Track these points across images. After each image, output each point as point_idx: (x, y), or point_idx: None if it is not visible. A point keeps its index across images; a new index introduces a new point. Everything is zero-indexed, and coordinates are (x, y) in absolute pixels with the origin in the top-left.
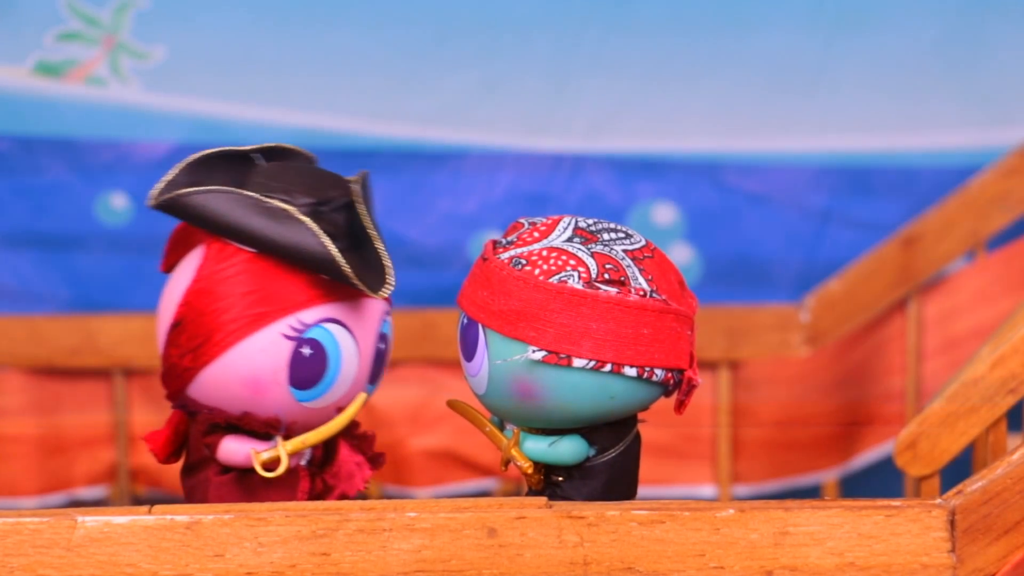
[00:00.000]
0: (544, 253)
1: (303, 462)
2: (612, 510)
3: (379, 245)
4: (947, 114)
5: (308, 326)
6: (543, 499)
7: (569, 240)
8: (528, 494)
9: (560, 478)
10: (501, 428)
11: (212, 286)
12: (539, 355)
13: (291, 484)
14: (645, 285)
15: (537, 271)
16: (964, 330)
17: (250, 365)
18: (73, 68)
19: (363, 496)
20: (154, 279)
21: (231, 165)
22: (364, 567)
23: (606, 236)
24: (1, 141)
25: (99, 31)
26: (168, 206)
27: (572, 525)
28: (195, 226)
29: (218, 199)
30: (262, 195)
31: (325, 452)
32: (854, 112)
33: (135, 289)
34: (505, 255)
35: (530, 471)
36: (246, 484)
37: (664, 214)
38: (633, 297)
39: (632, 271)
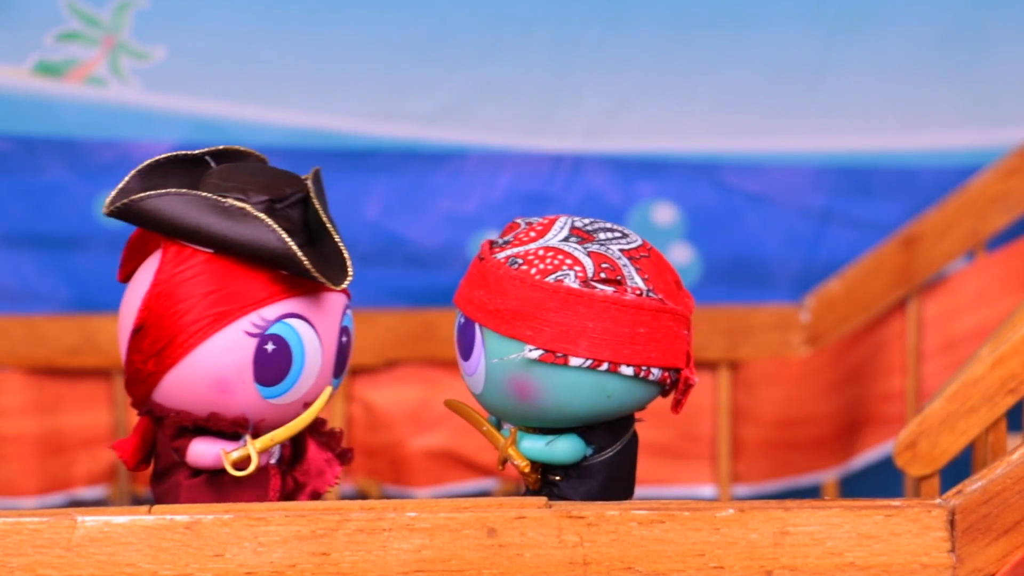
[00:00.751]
0: (540, 252)
1: (273, 461)
2: (612, 510)
3: (337, 238)
4: (947, 114)
5: (270, 322)
6: (543, 499)
7: (565, 240)
8: (525, 493)
9: (557, 477)
10: (498, 427)
11: (171, 289)
12: (535, 354)
13: (262, 483)
14: (641, 284)
15: (534, 270)
16: (964, 330)
17: (215, 365)
18: (73, 68)
19: (362, 496)
20: None
21: (184, 169)
22: (364, 567)
23: (602, 236)
24: (1, 141)
25: (99, 31)
26: (122, 212)
27: (572, 525)
28: (151, 230)
29: (173, 201)
30: (217, 195)
31: (294, 450)
32: (854, 112)
33: None
34: (502, 254)
35: (527, 470)
36: (217, 485)
37: (664, 214)
38: (629, 296)
39: (628, 270)
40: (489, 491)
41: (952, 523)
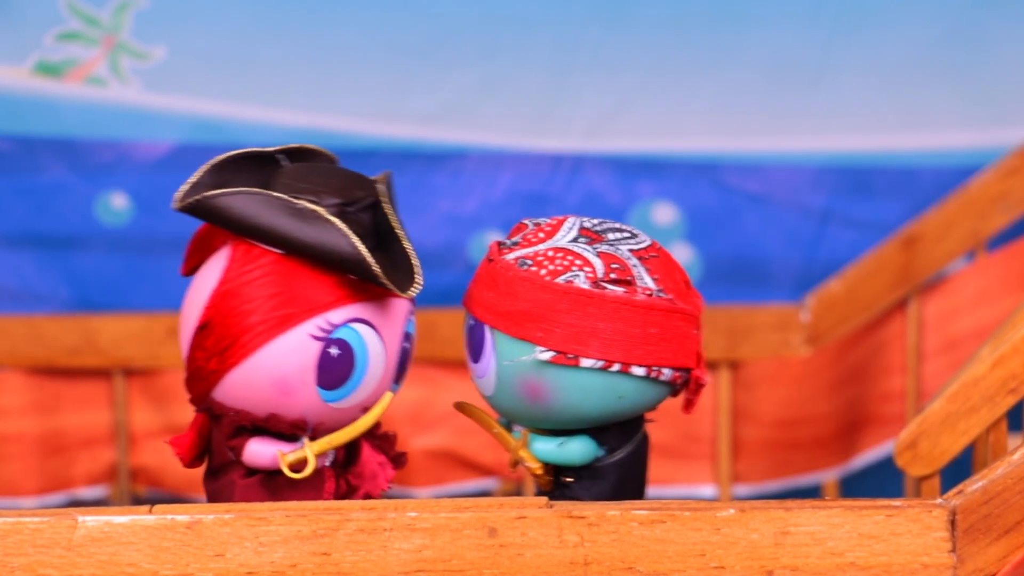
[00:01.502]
0: (550, 253)
1: (327, 463)
2: (612, 510)
3: (406, 244)
4: (947, 114)
5: (336, 326)
6: (544, 499)
7: (574, 240)
8: (537, 495)
9: (570, 479)
10: (509, 429)
11: (239, 288)
12: (547, 355)
13: (316, 485)
14: (652, 284)
15: (543, 271)
16: (964, 330)
17: (278, 366)
18: (73, 68)
19: (369, 496)
20: (154, 279)
21: (256, 166)
22: (365, 567)
23: (611, 236)
24: (1, 141)
25: (99, 31)
26: (194, 208)
27: (572, 525)
28: (222, 228)
29: (246, 200)
30: (290, 196)
31: (348, 453)
32: (854, 112)
33: (135, 289)
34: (511, 256)
35: (539, 472)
36: (271, 486)
37: (664, 214)
38: (640, 296)
39: (638, 271)
40: (490, 491)
41: (953, 523)
